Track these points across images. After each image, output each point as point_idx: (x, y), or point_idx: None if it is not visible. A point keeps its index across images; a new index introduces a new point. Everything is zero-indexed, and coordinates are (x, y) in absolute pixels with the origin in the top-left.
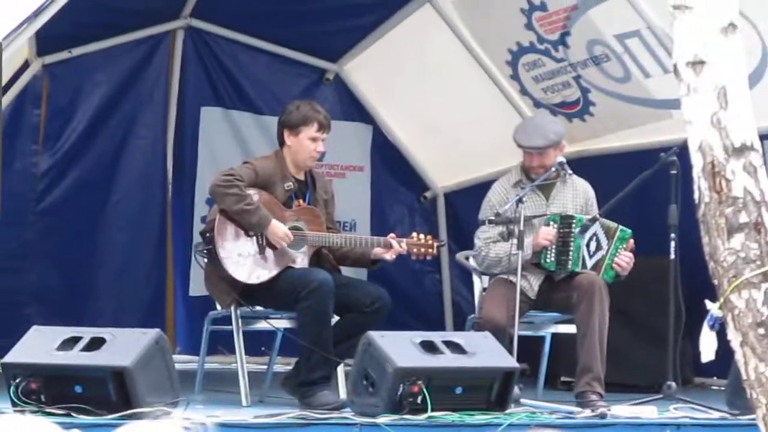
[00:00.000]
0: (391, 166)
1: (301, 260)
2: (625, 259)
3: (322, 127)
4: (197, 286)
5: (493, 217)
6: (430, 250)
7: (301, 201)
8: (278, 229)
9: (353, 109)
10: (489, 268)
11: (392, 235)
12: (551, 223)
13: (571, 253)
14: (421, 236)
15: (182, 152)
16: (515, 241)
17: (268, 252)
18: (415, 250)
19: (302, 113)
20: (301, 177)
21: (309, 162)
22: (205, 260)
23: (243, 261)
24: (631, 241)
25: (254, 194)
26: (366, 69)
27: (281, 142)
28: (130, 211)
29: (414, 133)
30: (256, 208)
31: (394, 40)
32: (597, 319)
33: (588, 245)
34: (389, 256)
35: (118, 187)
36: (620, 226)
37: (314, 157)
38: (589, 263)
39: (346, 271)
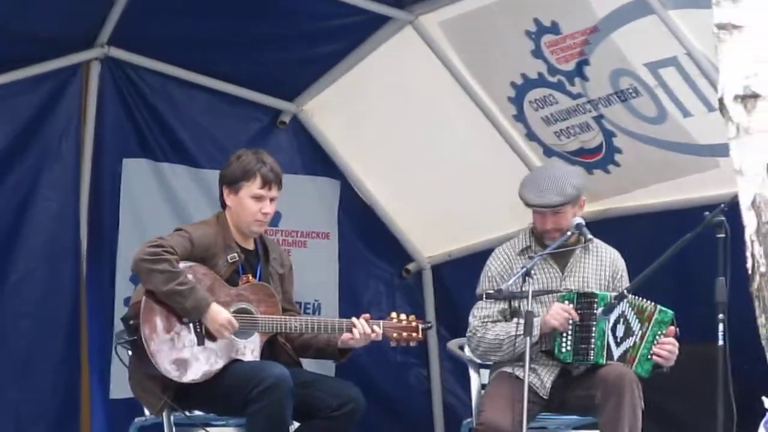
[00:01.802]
0: (365, 232)
1: (250, 351)
2: (667, 347)
3: (267, 182)
4: (119, 387)
5: (492, 291)
6: (413, 335)
7: (249, 276)
8: (219, 315)
9: (316, 159)
10: (485, 355)
11: (366, 316)
12: (566, 302)
13: (593, 340)
14: (402, 317)
15: (99, 217)
16: (520, 320)
17: (209, 342)
18: (394, 334)
19: (242, 165)
20: (250, 246)
21: (254, 227)
22: (130, 354)
23: (177, 355)
24: (672, 327)
25: (189, 270)
26: (331, 109)
27: (223, 203)
28: (33, 293)
29: (393, 190)
30: (190, 288)
31: (366, 73)
32: (627, 423)
33: (614, 330)
34: (357, 341)
35: (19, 262)
36: (659, 307)
37: (260, 221)
38: (616, 353)
39: (309, 364)
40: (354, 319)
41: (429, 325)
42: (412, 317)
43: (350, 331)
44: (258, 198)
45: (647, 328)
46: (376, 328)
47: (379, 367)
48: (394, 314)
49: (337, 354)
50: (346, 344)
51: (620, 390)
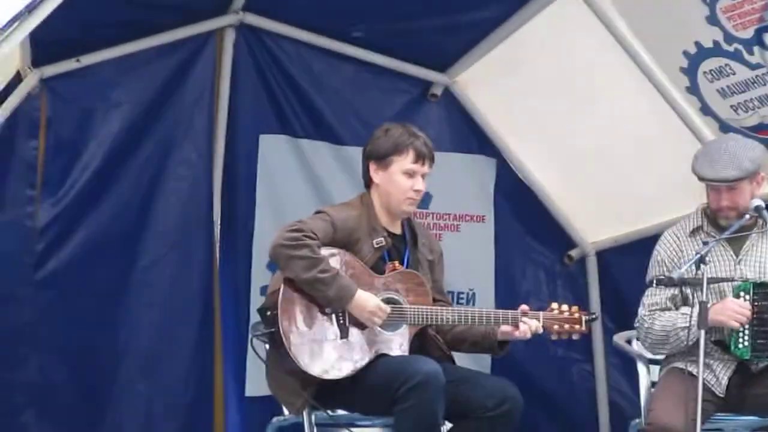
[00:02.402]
0: (523, 214)
1: (398, 345)
2: None
3: (420, 156)
4: (256, 384)
5: (662, 277)
6: (576, 327)
7: (396, 263)
8: (367, 302)
9: (469, 135)
10: (654, 347)
11: (525, 307)
12: (742, 293)
13: None
14: (564, 308)
15: (234, 198)
16: (686, 311)
17: (353, 335)
18: (555, 327)
19: (393, 139)
20: (397, 230)
21: (404, 206)
22: (267, 348)
23: (318, 349)
24: None
25: (331, 256)
26: (486, 81)
27: (368, 182)
28: (163, 280)
29: (553, 168)
30: (333, 276)
31: (524, 41)
32: None
33: None
34: (521, 334)
35: (147, 247)
36: None
37: (412, 198)
38: None
39: (461, 358)
40: (522, 312)
41: (594, 316)
42: (575, 308)
43: (515, 324)
44: (410, 174)
45: None
46: (536, 321)
47: (539, 363)
48: (555, 305)
49: (496, 347)
50: (506, 337)
51: None
